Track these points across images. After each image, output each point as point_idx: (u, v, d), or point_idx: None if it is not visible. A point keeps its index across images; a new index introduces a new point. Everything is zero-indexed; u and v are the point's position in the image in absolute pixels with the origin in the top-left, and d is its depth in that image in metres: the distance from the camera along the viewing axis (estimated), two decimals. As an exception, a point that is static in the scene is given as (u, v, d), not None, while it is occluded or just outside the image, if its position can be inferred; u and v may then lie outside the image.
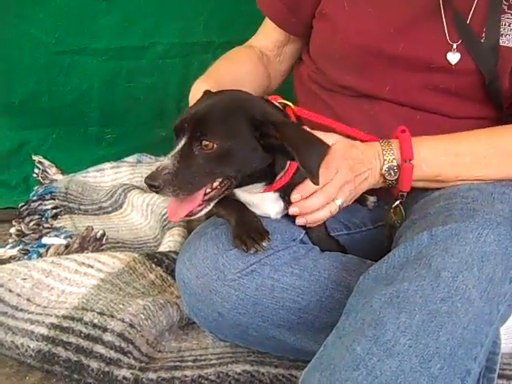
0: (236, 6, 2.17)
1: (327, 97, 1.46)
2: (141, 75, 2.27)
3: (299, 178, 1.19)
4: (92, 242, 1.69)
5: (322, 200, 1.19)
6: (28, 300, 1.42)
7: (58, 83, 2.24)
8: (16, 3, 2.13)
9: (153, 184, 1.05)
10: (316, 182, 1.09)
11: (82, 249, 1.67)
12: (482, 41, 1.30)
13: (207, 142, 1.07)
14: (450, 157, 1.25)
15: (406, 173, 1.23)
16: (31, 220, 1.96)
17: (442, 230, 1.06)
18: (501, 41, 1.29)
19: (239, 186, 1.16)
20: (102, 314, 1.33)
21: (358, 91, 1.40)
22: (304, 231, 1.28)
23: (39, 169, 2.27)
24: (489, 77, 1.30)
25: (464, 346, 0.93)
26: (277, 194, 1.22)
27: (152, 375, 1.25)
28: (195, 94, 1.26)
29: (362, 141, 1.28)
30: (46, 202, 2.06)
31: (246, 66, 1.51)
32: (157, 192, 1.07)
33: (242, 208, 1.23)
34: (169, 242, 1.68)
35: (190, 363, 1.30)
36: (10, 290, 1.43)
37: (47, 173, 2.27)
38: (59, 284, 1.45)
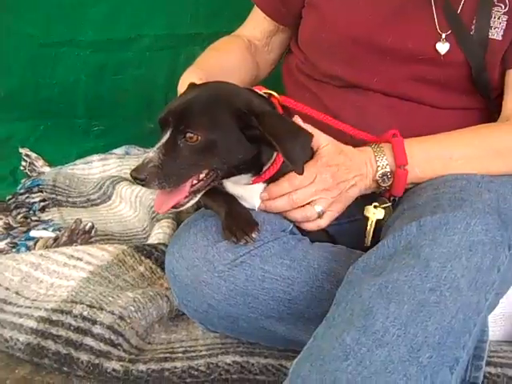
0: (223, -3, 2.16)
1: (315, 87, 1.46)
2: (128, 67, 2.25)
3: (286, 169, 1.19)
4: (81, 235, 1.68)
5: (285, 205, 1.21)
6: (17, 293, 1.41)
7: (45, 75, 2.22)
8: (-1, -4, 2.12)
9: (138, 177, 1.06)
10: (300, 173, 1.10)
11: (70, 242, 1.66)
12: (472, 33, 1.30)
13: (191, 135, 1.08)
14: (443, 160, 1.26)
15: (401, 178, 1.24)
16: (19, 213, 1.95)
17: (430, 220, 1.06)
18: (490, 33, 1.30)
19: (226, 177, 1.16)
20: (91, 306, 1.32)
21: (346, 81, 1.40)
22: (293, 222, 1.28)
23: (26, 161, 2.25)
24: (476, 68, 1.30)
25: (452, 334, 0.93)
26: (265, 186, 1.23)
27: (142, 367, 1.25)
28: (184, 85, 1.26)
29: (351, 136, 1.28)
30: (34, 195, 2.05)
31: (234, 56, 1.51)
32: (143, 185, 1.08)
33: (231, 200, 1.23)
34: (158, 234, 1.68)
35: (179, 355, 1.29)
36: (-1, 284, 1.43)
37: (34, 165, 2.25)
38: (48, 277, 1.45)
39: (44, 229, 1.79)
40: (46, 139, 2.30)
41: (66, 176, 2.17)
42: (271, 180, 1.21)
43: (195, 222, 1.24)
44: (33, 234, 1.75)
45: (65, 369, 1.24)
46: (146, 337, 1.36)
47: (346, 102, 1.39)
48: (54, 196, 2.06)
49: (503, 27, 1.30)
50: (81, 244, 1.66)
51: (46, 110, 2.27)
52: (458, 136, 1.29)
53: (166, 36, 2.22)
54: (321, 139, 1.23)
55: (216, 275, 1.16)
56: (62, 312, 1.31)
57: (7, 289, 1.42)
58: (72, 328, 1.28)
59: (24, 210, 1.97)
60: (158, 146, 1.09)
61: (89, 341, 1.26)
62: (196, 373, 1.24)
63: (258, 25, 1.58)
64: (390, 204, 1.28)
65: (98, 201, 2.09)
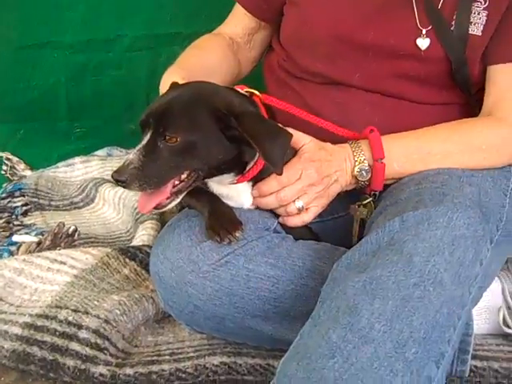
0: (203, -3, 2.16)
1: (296, 84, 1.46)
2: (108, 68, 2.24)
3: (271, 169, 1.19)
4: (64, 239, 1.67)
5: (273, 202, 1.21)
6: (0, 299, 1.39)
7: (24, 78, 2.20)
8: (-23, -2, 2.09)
9: (119, 179, 1.07)
10: (279, 173, 1.11)
11: (54, 245, 1.64)
12: (452, 29, 1.30)
13: (170, 136, 1.08)
14: (421, 155, 1.26)
15: (378, 172, 1.24)
16: (1, 218, 1.92)
17: (412, 215, 1.07)
18: (470, 29, 1.30)
19: (208, 177, 1.16)
20: (76, 311, 1.31)
21: (328, 78, 1.40)
22: (277, 220, 1.28)
23: (7, 165, 2.23)
24: (456, 64, 1.31)
25: (437, 329, 0.94)
26: (250, 184, 1.23)
27: (129, 371, 1.24)
28: (165, 84, 1.25)
29: (332, 133, 1.28)
30: (16, 199, 2.02)
31: (216, 54, 1.50)
32: (124, 187, 1.09)
33: (214, 199, 1.23)
34: (142, 236, 1.67)
35: (167, 357, 1.29)
36: (-18, 290, 1.41)
37: (16, 169, 2.23)
38: (32, 282, 1.43)
39: (26, 233, 1.77)
40: (26, 142, 2.28)
41: (47, 179, 2.15)
42: (256, 178, 1.21)
43: (179, 222, 1.23)
44: (15, 238, 1.73)
45: (51, 375, 1.23)
46: (133, 340, 1.35)
47: (327, 99, 1.39)
48: (36, 200, 2.04)
49: (483, 23, 1.30)
50: (64, 248, 1.64)
51: (27, 113, 2.25)
52: (437, 131, 1.30)
53: (146, 36, 2.21)
54: (303, 137, 1.23)
55: (201, 276, 1.16)
56: (46, 317, 1.30)
57: (-10, 295, 1.41)
58: (57, 333, 1.27)
59: (6, 214, 1.94)
60: (138, 147, 1.09)
61: (75, 346, 1.25)
62: (184, 375, 1.24)
63: (239, 22, 1.58)
64: (371, 199, 1.29)
65: (81, 203, 2.08)
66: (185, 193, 1.15)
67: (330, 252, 1.24)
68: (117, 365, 1.25)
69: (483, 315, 1.36)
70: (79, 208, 2.06)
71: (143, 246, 1.61)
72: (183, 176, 1.13)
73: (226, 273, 1.16)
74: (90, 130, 2.32)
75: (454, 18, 1.31)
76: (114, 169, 1.10)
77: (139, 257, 1.56)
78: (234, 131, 1.10)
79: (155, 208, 1.13)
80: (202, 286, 1.16)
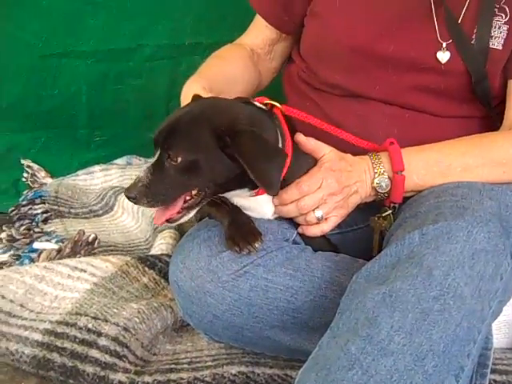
0: (224, 7, 2.17)
1: (316, 96, 1.46)
2: (129, 77, 2.26)
3: (292, 177, 1.20)
4: (84, 246, 1.68)
5: (294, 210, 1.22)
6: (21, 306, 1.41)
7: (46, 86, 2.22)
8: (2, 6, 2.11)
9: (129, 196, 1.10)
10: (274, 194, 1.11)
11: (74, 253, 1.66)
12: (473, 42, 1.30)
13: (172, 156, 1.10)
14: (441, 168, 1.26)
15: (398, 184, 1.24)
16: (21, 225, 1.95)
17: (432, 228, 1.07)
18: (490, 43, 1.30)
19: (218, 193, 1.17)
20: (96, 318, 1.33)
21: (348, 90, 1.40)
22: (296, 231, 1.28)
23: (28, 173, 2.26)
24: (477, 77, 1.31)
25: (457, 343, 0.94)
26: (270, 196, 1.22)
27: (148, 378, 1.25)
28: (187, 94, 1.26)
29: (352, 145, 1.29)
30: (36, 207, 2.05)
31: (237, 65, 1.52)
32: (134, 203, 1.12)
33: (234, 209, 1.23)
34: (161, 245, 1.68)
35: (185, 365, 1.30)
36: (3, 297, 1.43)
37: (36, 177, 2.26)
38: (52, 289, 1.45)
39: (47, 240, 1.80)
40: (47, 150, 2.31)
41: (67, 187, 2.18)
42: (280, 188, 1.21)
43: (198, 232, 1.24)
44: (36, 245, 1.75)
45: (71, 381, 1.24)
46: (151, 348, 1.36)
47: (347, 111, 1.40)
48: (56, 207, 2.06)
49: (504, 37, 1.30)
50: (84, 255, 1.66)
51: (48, 121, 2.27)
52: (457, 144, 1.30)
53: (167, 46, 2.23)
54: (323, 147, 1.24)
55: (220, 285, 1.16)
56: (66, 324, 1.32)
57: (12, 301, 1.42)
58: (77, 340, 1.28)
59: (27, 221, 1.97)
60: (148, 165, 1.12)
61: (94, 353, 1.26)
62: (202, 384, 1.25)
63: (260, 33, 1.59)
64: (390, 212, 1.29)
65: (101, 212, 2.10)
66: (197, 208, 1.16)
67: (349, 264, 1.24)
68: (135, 372, 1.26)
69: (502, 329, 1.35)
70: (98, 216, 2.08)
71: (162, 254, 1.62)
72: (194, 192, 1.14)
73: (245, 283, 1.17)
74: (110, 138, 2.34)
75: (475, 31, 1.31)
76: (134, 177, 1.13)
77: (158, 266, 1.57)
78: (231, 150, 1.10)
79: (167, 221, 1.15)
80: (221, 296, 1.17)
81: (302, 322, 1.20)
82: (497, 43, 1.31)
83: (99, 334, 1.29)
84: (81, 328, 1.30)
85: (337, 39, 1.37)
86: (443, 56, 1.32)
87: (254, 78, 1.56)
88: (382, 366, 0.90)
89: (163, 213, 1.14)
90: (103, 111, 2.29)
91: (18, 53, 2.17)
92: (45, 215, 2.01)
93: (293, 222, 1.27)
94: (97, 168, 2.28)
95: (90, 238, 1.71)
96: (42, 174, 2.27)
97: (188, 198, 1.14)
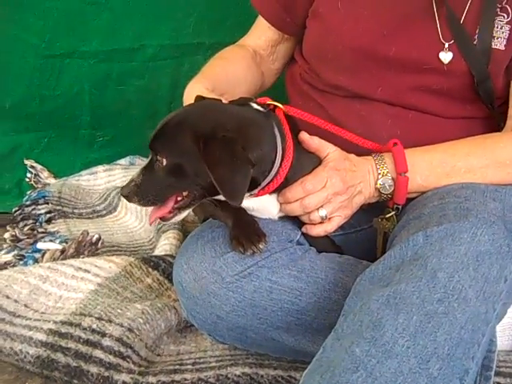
0: (226, 7, 2.17)
1: (319, 97, 1.46)
2: (132, 77, 2.26)
3: (294, 177, 1.20)
4: (88, 247, 1.69)
5: (298, 209, 1.21)
6: (26, 306, 1.42)
7: (49, 87, 2.23)
8: (5, 7, 2.12)
9: (122, 194, 1.14)
10: (235, 204, 1.09)
11: (77, 253, 1.67)
12: (475, 43, 1.31)
13: (159, 158, 1.12)
14: (445, 169, 1.26)
15: (401, 186, 1.24)
16: (25, 225, 1.95)
17: (436, 230, 1.07)
18: (493, 43, 1.31)
19: (208, 196, 1.16)
20: (100, 319, 1.33)
21: (350, 91, 1.40)
22: (300, 232, 1.28)
23: (31, 173, 2.26)
24: (479, 78, 1.31)
25: (462, 345, 0.94)
26: (274, 195, 1.22)
27: (151, 379, 1.26)
28: (189, 94, 1.27)
29: (355, 145, 1.28)
30: (40, 207, 2.05)
31: (240, 66, 1.52)
32: (128, 201, 1.15)
33: (239, 210, 1.23)
34: (164, 246, 1.68)
35: (189, 366, 1.30)
36: (8, 297, 1.43)
37: (40, 177, 2.27)
38: (56, 289, 1.46)
39: (51, 241, 1.80)
40: (50, 150, 2.32)
41: (71, 187, 2.18)
42: (278, 190, 1.21)
43: (202, 233, 1.24)
44: (40, 246, 1.76)
45: (75, 381, 1.25)
46: (155, 349, 1.36)
47: (350, 112, 1.40)
48: (59, 207, 2.07)
49: (506, 37, 1.31)
50: (88, 256, 1.67)
51: (51, 121, 2.28)
52: (460, 145, 1.30)
53: (170, 46, 2.23)
54: (327, 146, 1.24)
55: (224, 286, 1.17)
56: (71, 324, 1.32)
57: (16, 301, 1.43)
58: (81, 340, 1.29)
59: (30, 221, 1.97)
60: (142, 166, 1.15)
61: (98, 353, 1.27)
62: (206, 384, 1.25)
63: (262, 34, 1.59)
64: (393, 213, 1.29)
65: (104, 212, 2.10)
66: (189, 209, 1.18)
67: (353, 265, 1.24)
68: (139, 373, 1.27)
69: (507, 331, 1.35)
70: (102, 216, 2.08)
71: (166, 255, 1.62)
72: (184, 194, 1.15)
73: (249, 284, 1.17)
74: (113, 138, 2.34)
75: (477, 32, 1.31)
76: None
77: (162, 266, 1.57)
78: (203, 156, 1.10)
79: (160, 219, 1.18)
80: (225, 297, 1.17)
81: (306, 323, 1.20)
82: (499, 43, 1.31)
83: (103, 335, 1.29)
84: (85, 328, 1.31)
85: (339, 40, 1.37)
86: (446, 56, 1.32)
87: (257, 79, 1.56)
88: (386, 369, 0.90)
89: (155, 212, 1.16)
90: (106, 111, 2.29)
91: (21, 53, 2.18)
92: (48, 215, 2.01)
93: (297, 223, 1.28)
94: (100, 168, 2.29)
95: (94, 239, 1.71)
96: (46, 174, 2.28)
97: (179, 198, 1.15)
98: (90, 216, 2.08)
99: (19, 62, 2.19)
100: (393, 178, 1.25)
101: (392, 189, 1.26)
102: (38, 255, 1.70)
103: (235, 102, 1.23)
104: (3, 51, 2.16)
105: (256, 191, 1.18)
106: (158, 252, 1.67)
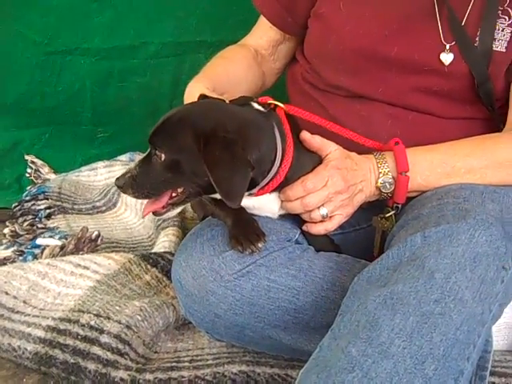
0: (228, 6, 2.17)
1: (320, 96, 1.46)
2: (133, 75, 2.27)
3: (294, 176, 1.20)
4: (87, 243, 1.69)
5: (298, 207, 1.21)
6: (24, 302, 1.42)
7: (51, 83, 2.23)
8: (7, 3, 2.13)
9: (117, 184, 1.15)
10: (233, 205, 1.09)
11: (77, 250, 1.67)
12: (476, 44, 1.31)
13: (158, 153, 1.12)
14: (445, 169, 1.26)
15: (402, 185, 1.24)
16: (25, 220, 1.96)
17: (434, 231, 1.07)
18: (494, 45, 1.31)
19: (204, 194, 1.17)
20: (98, 315, 1.33)
21: (351, 92, 1.41)
22: (299, 231, 1.29)
23: (32, 168, 2.27)
24: (480, 79, 1.31)
25: (457, 346, 0.94)
26: (274, 194, 1.22)
27: (149, 376, 1.26)
28: (190, 93, 1.27)
29: (358, 144, 1.29)
30: (40, 202, 2.06)
31: (241, 65, 1.52)
32: (122, 192, 1.16)
33: (238, 209, 1.23)
34: (163, 243, 1.68)
35: (186, 364, 1.30)
36: (7, 293, 1.44)
37: (40, 172, 2.27)
38: (55, 286, 1.46)
39: (50, 236, 1.80)
40: (51, 146, 2.32)
41: (71, 183, 2.19)
42: (278, 189, 1.21)
43: (202, 231, 1.25)
44: (39, 241, 1.76)
45: (73, 378, 1.25)
46: (153, 346, 1.37)
47: (351, 112, 1.40)
48: (59, 203, 2.07)
49: (507, 39, 1.31)
50: (87, 252, 1.67)
51: (52, 118, 2.28)
52: (461, 146, 1.30)
53: (171, 44, 2.23)
54: (329, 145, 1.23)
55: (222, 285, 1.17)
56: (69, 321, 1.33)
57: (15, 298, 1.43)
58: (79, 337, 1.29)
59: (30, 217, 1.97)
60: (140, 159, 1.16)
61: (96, 350, 1.27)
62: (203, 382, 1.25)
63: (264, 34, 1.59)
64: (393, 212, 1.29)
65: (104, 208, 2.11)
66: (182, 206, 1.18)
67: (351, 265, 1.24)
68: (137, 370, 1.27)
69: (502, 332, 1.35)
70: (102, 212, 2.09)
71: (165, 252, 1.62)
72: (179, 190, 1.15)
73: (248, 283, 1.17)
74: (114, 135, 2.35)
75: (478, 33, 1.32)
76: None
77: (161, 263, 1.58)
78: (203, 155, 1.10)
79: (153, 213, 1.18)
80: (224, 295, 1.17)
81: (304, 322, 1.20)
82: (500, 46, 1.31)
83: (101, 332, 1.30)
84: (83, 325, 1.31)
85: (340, 41, 1.37)
86: (446, 58, 1.32)
87: (258, 79, 1.56)
88: (382, 369, 0.91)
89: (149, 206, 1.17)
90: (107, 108, 2.29)
91: (23, 50, 2.18)
92: (48, 211, 2.01)
93: (295, 223, 1.28)
94: (100, 164, 2.29)
95: (94, 235, 1.72)
96: (46, 169, 2.28)
97: (174, 194, 1.16)
98: (90, 212, 2.08)
99: (21, 58, 2.19)
100: (393, 177, 1.25)
101: (392, 188, 1.26)
102: (37, 251, 1.70)
103: (236, 101, 1.23)
104: (5, 48, 2.17)
105: (255, 191, 1.19)
106: (157, 249, 1.67)
